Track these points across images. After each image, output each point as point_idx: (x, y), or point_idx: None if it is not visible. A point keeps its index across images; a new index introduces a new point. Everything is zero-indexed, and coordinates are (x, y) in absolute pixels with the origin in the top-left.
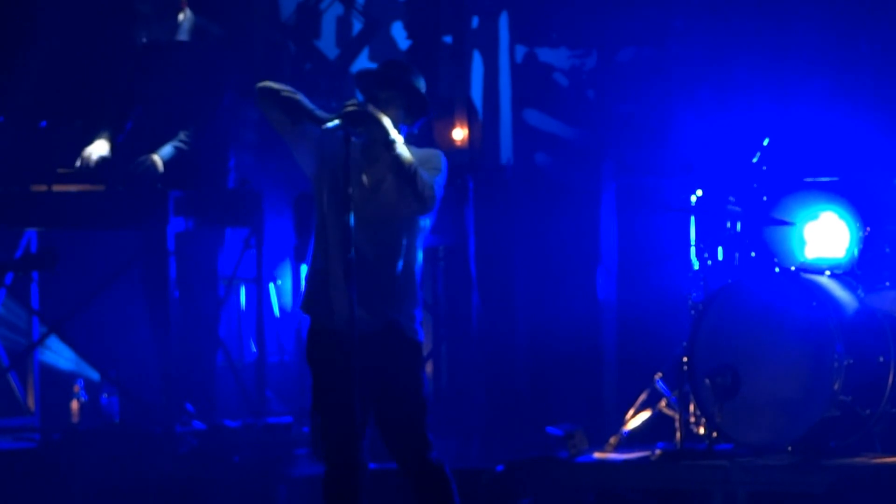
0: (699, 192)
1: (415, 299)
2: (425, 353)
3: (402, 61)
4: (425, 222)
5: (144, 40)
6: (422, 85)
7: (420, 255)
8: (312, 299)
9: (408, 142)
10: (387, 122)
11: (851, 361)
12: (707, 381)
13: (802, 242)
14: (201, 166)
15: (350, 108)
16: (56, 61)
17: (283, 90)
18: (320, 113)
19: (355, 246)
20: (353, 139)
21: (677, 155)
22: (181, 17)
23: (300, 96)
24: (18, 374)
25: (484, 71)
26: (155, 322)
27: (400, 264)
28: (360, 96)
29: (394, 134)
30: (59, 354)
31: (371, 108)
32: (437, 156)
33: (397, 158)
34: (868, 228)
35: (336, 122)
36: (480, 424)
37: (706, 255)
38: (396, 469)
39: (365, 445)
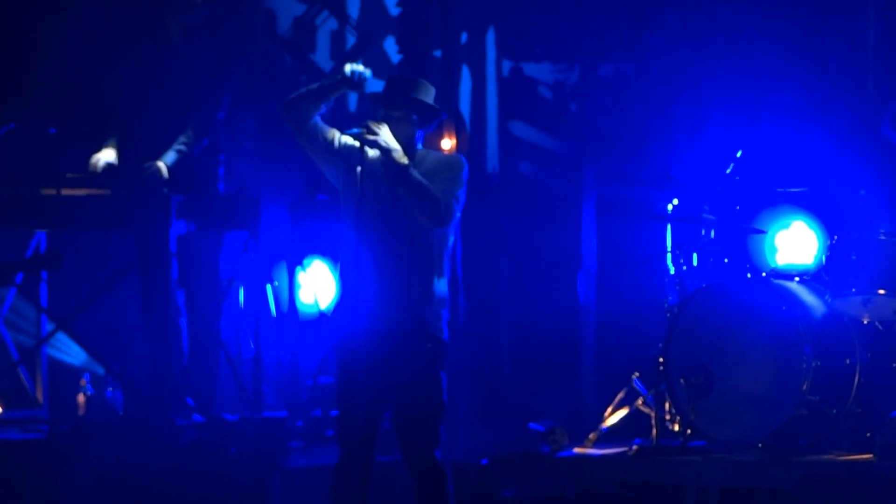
0: (675, 201)
1: (443, 300)
2: None
3: (408, 76)
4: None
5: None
6: (430, 94)
7: (447, 255)
8: (345, 302)
9: (425, 146)
10: (397, 153)
11: (819, 363)
12: (682, 380)
13: (774, 249)
14: (199, 172)
15: (366, 136)
16: (66, 71)
17: (295, 92)
18: (327, 81)
19: (384, 252)
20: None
21: (655, 165)
22: None
23: (307, 86)
24: (28, 369)
25: (472, 84)
26: (154, 321)
27: (427, 267)
28: (353, 106)
29: (404, 160)
30: (67, 350)
31: (383, 141)
32: (457, 163)
33: (411, 189)
34: (835, 237)
35: (354, 141)
36: (466, 420)
37: (682, 260)
38: (399, 461)
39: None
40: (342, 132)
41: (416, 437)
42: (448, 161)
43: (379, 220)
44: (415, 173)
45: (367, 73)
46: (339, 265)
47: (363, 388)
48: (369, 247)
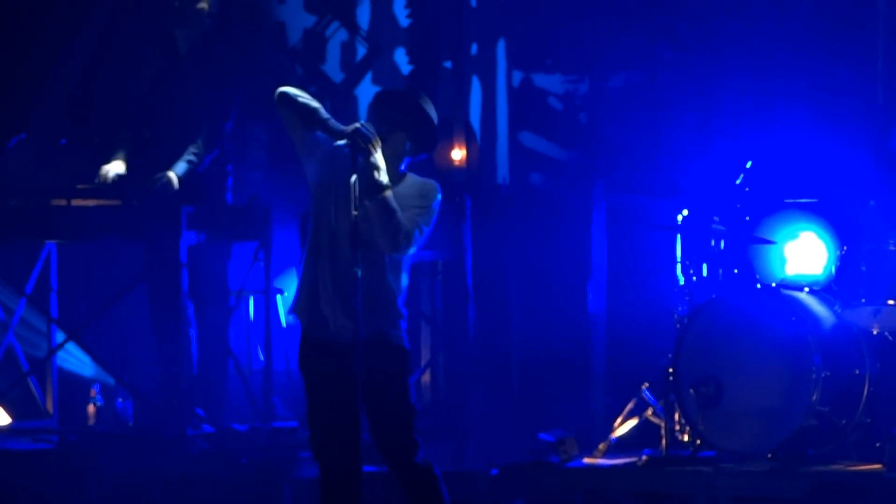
0: (685, 212)
1: (399, 313)
2: (423, 362)
3: (419, 90)
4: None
5: (182, 50)
6: (433, 113)
7: (406, 271)
8: (305, 310)
9: (408, 168)
10: (381, 163)
11: (829, 374)
12: (691, 390)
13: (783, 260)
14: (209, 183)
15: (356, 135)
16: (75, 83)
17: (301, 96)
18: (334, 124)
19: (347, 260)
20: (359, 157)
21: (665, 176)
22: (203, 5)
23: (318, 105)
24: (38, 379)
25: (482, 95)
26: (164, 331)
27: (386, 280)
28: (364, 117)
29: (384, 179)
30: (77, 361)
31: (371, 143)
32: (431, 191)
33: (379, 210)
34: (845, 247)
35: (345, 141)
36: (476, 430)
37: (691, 271)
38: (389, 472)
39: (360, 449)
40: (335, 129)
41: (392, 445)
42: (423, 188)
43: (348, 227)
44: (390, 197)
45: (375, 159)
46: (300, 266)
47: (338, 401)
48: (333, 250)
